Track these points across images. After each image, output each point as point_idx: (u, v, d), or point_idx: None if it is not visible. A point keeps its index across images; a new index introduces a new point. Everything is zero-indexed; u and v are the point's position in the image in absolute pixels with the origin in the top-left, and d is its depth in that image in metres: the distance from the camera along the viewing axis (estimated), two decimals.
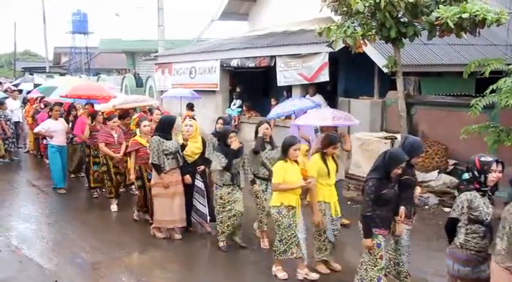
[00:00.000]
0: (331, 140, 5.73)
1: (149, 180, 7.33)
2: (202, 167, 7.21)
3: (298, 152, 5.55)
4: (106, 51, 34.22)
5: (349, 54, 8.62)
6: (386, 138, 9.29)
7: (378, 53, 9.91)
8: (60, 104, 10.77)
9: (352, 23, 8.00)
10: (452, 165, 9.20)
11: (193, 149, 7.14)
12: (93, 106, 10.23)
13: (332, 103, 11.64)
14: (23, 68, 40.96)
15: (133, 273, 5.95)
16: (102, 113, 9.63)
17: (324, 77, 11.27)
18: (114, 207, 8.55)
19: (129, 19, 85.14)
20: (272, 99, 13.48)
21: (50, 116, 10.02)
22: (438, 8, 7.24)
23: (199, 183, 7.23)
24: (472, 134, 7.61)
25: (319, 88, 11.83)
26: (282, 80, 12.48)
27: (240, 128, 13.85)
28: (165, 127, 7.07)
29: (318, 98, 11.61)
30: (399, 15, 7.65)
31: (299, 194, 5.59)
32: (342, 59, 11.44)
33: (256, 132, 6.71)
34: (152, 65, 18.77)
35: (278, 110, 9.33)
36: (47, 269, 6.07)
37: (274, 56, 12.59)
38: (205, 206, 7.17)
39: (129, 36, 35.03)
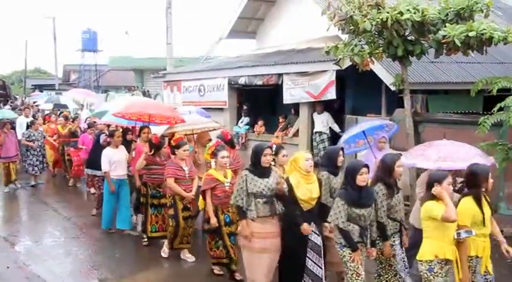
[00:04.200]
0: (481, 174, 4.64)
1: (227, 223, 6.11)
2: (326, 227, 5.45)
3: (451, 187, 4.58)
4: (115, 69, 34.61)
5: (357, 72, 8.66)
6: None
7: (385, 71, 9.93)
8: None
9: (360, 41, 8.04)
10: (460, 183, 9.11)
11: (310, 194, 5.32)
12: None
13: (339, 121, 11.68)
14: (33, 85, 41.55)
15: None
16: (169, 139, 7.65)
17: (331, 94, 11.30)
18: (164, 254, 6.96)
19: (139, 37, 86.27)
20: (280, 117, 13.55)
21: (108, 143, 8.38)
22: (445, 26, 7.27)
23: (315, 238, 5.39)
24: None
25: (326, 106, 11.87)
26: (288, 98, 12.52)
27: (247, 146, 13.86)
28: (252, 159, 5.42)
29: (326, 116, 11.66)
30: (406, 34, 7.68)
31: (454, 244, 4.51)
32: (349, 77, 11.48)
33: (391, 171, 5.07)
34: (160, 83, 18.91)
35: (348, 134, 8.17)
36: None
37: (282, 74, 12.67)
38: (321, 268, 5.34)
39: (138, 54, 35.42)
